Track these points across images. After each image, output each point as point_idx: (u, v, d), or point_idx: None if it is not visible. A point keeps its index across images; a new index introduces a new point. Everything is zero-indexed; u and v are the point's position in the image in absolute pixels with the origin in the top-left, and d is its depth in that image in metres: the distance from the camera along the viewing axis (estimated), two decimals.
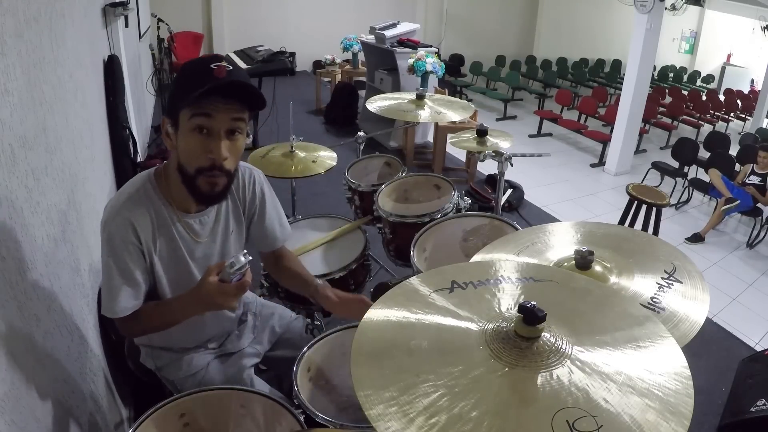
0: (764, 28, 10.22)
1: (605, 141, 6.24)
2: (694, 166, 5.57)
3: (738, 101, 9.39)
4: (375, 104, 2.50)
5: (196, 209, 1.22)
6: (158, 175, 1.19)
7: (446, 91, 5.50)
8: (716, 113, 8.84)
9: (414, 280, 0.96)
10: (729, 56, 12.86)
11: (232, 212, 1.31)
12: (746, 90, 10.96)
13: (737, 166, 5.24)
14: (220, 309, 1.12)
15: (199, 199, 1.16)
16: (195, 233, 1.23)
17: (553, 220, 4.43)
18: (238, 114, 1.09)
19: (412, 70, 4.88)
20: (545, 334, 0.77)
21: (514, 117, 8.16)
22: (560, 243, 1.24)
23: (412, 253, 1.71)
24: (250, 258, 1.05)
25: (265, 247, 1.44)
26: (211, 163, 1.08)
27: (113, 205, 1.13)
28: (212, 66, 1.03)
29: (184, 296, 1.14)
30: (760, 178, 4.67)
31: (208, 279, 1.06)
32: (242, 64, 4.20)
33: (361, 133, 2.65)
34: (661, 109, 7.97)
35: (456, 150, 5.11)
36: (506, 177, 2.25)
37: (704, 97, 9.26)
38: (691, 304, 1.02)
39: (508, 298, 0.90)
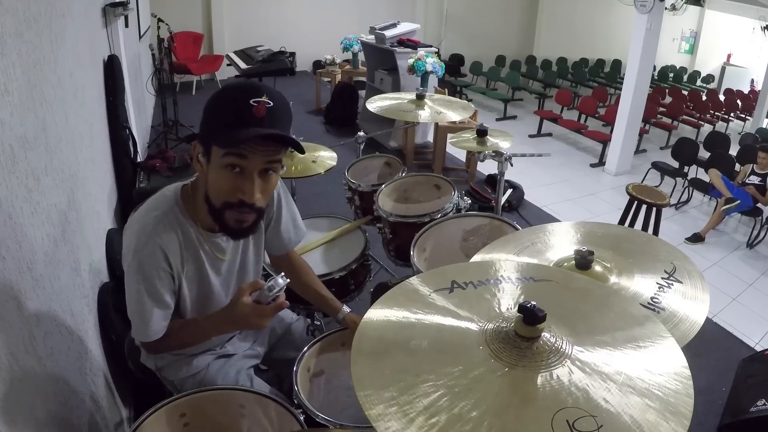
0: (764, 28, 10.21)
1: (605, 141, 6.24)
2: (694, 166, 5.57)
3: (738, 101, 9.39)
4: (375, 104, 2.50)
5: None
6: (185, 193, 1.16)
7: (446, 91, 5.50)
8: (716, 113, 8.83)
9: (414, 280, 0.96)
10: (729, 56, 12.86)
11: None
12: (746, 90, 10.95)
13: (737, 166, 5.24)
14: (254, 329, 1.13)
15: (226, 231, 1.14)
16: (221, 251, 1.22)
17: (553, 220, 4.43)
18: (274, 156, 1.04)
19: (412, 70, 4.88)
20: (545, 334, 0.78)
21: (514, 117, 8.16)
22: (560, 243, 1.24)
23: (412, 253, 1.71)
24: (288, 280, 1.06)
25: (276, 249, 1.43)
26: (241, 201, 1.05)
27: (141, 230, 1.09)
28: (252, 102, 0.99)
29: (216, 316, 1.13)
30: (760, 178, 4.67)
31: (243, 300, 1.05)
32: (242, 64, 4.20)
33: (361, 133, 2.65)
34: (661, 109, 7.96)
35: (456, 150, 5.11)
36: (506, 177, 2.25)
37: (704, 97, 9.25)
38: (691, 304, 1.02)
39: (508, 298, 0.90)
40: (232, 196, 1.05)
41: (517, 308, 0.78)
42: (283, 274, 1.05)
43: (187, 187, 1.17)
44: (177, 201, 1.14)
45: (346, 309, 1.45)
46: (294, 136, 1.06)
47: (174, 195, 1.15)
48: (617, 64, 11.20)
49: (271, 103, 1.01)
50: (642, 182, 4.53)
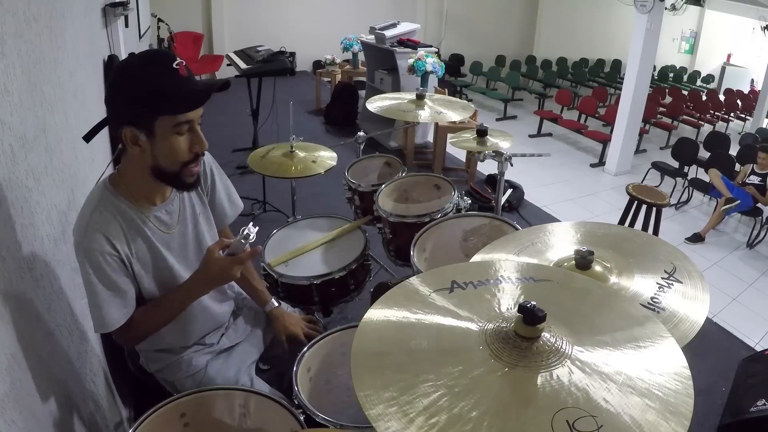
0: (764, 28, 10.21)
1: (605, 141, 6.24)
2: (694, 166, 5.57)
3: (738, 101, 9.39)
4: (375, 104, 2.50)
5: (161, 200, 1.22)
6: (113, 180, 1.17)
7: (446, 91, 5.50)
8: (716, 113, 8.84)
9: (414, 280, 0.96)
10: (729, 56, 12.86)
11: (195, 195, 1.32)
12: (746, 90, 10.96)
13: (737, 166, 5.24)
14: (229, 281, 1.22)
15: (183, 188, 1.19)
16: (165, 225, 1.23)
17: (553, 220, 4.43)
18: (202, 107, 1.12)
19: (412, 70, 4.88)
20: (545, 334, 0.77)
21: (514, 117, 8.16)
22: (560, 243, 1.24)
23: (412, 253, 1.71)
24: (258, 228, 1.14)
25: (221, 223, 1.43)
26: (196, 154, 1.13)
27: (80, 224, 1.12)
28: (174, 66, 1.04)
29: (188, 281, 1.20)
30: (760, 178, 4.67)
31: (215, 257, 1.14)
32: (242, 64, 4.20)
33: (361, 133, 2.65)
34: (661, 109, 7.97)
35: (456, 150, 5.11)
36: (506, 177, 2.25)
37: (704, 97, 9.26)
38: (691, 304, 1.02)
39: (508, 298, 0.90)
40: (189, 154, 1.12)
41: (517, 308, 0.78)
42: (252, 222, 1.14)
43: (113, 176, 1.19)
44: (107, 188, 1.16)
45: (274, 303, 1.54)
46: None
47: (103, 184, 1.17)
48: (617, 64, 11.19)
49: (184, 62, 1.08)
50: (642, 182, 4.52)
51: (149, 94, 1.03)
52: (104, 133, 2.49)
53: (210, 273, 1.15)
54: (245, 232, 1.12)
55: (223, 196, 1.41)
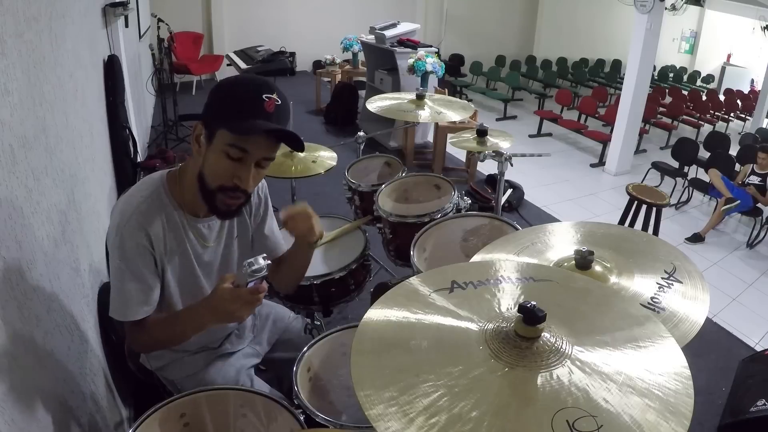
0: (764, 28, 10.21)
1: (605, 141, 6.24)
2: (694, 166, 5.57)
3: (738, 101, 9.39)
4: (375, 104, 2.50)
5: (205, 214, 1.22)
6: (171, 177, 1.18)
7: (446, 91, 5.50)
8: (716, 113, 8.83)
9: (414, 280, 0.96)
10: (729, 56, 12.85)
11: (237, 218, 1.30)
12: (746, 90, 10.95)
13: (737, 166, 5.24)
14: (233, 320, 1.05)
15: (214, 212, 1.16)
16: (203, 238, 1.23)
17: (553, 220, 4.43)
18: (272, 151, 1.10)
19: (412, 70, 4.88)
20: (545, 334, 0.77)
21: (514, 117, 8.15)
22: (560, 243, 1.24)
23: (412, 253, 1.71)
24: (269, 262, 0.99)
25: (269, 254, 1.39)
26: (236, 186, 1.09)
27: (125, 209, 1.11)
28: (264, 97, 1.04)
29: (195, 306, 1.10)
30: (760, 178, 4.67)
31: (222, 285, 1.01)
32: (242, 64, 4.21)
33: (361, 133, 2.65)
34: (661, 109, 7.96)
35: (456, 150, 5.11)
36: (506, 177, 2.25)
37: (704, 97, 9.25)
38: (691, 304, 1.02)
39: (508, 298, 0.90)
40: (228, 180, 1.09)
41: (517, 308, 0.78)
42: (265, 255, 1.01)
43: (173, 173, 1.19)
44: (163, 183, 1.16)
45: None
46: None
47: (160, 178, 1.17)
48: (617, 64, 11.19)
49: (280, 102, 1.06)
50: (642, 182, 4.52)
51: (224, 103, 1.05)
52: (104, 133, 2.50)
53: (212, 302, 1.03)
54: (249, 260, 0.97)
55: (274, 224, 1.41)
